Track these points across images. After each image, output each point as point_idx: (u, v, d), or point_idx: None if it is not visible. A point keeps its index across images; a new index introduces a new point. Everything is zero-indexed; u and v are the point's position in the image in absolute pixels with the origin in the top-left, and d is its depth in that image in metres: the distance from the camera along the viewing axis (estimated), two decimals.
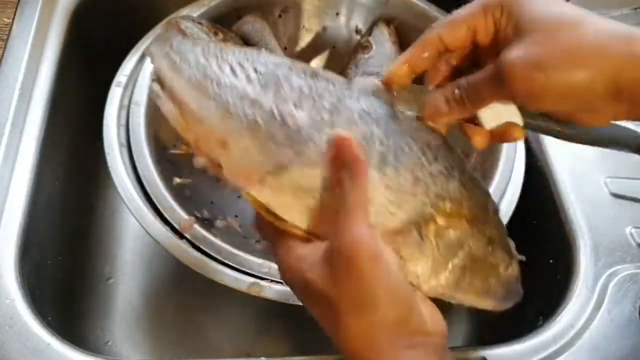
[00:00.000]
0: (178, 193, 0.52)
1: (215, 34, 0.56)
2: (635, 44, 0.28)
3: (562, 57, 0.28)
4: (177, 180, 0.54)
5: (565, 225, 0.51)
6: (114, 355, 0.60)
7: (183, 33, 0.52)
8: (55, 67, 0.57)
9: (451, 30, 0.33)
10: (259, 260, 0.46)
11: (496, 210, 0.35)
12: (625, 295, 0.47)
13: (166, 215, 0.48)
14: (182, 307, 0.63)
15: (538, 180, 0.55)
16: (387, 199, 0.31)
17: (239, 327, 0.63)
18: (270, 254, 0.33)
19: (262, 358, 0.44)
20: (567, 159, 0.55)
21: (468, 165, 0.56)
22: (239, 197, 0.60)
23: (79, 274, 0.62)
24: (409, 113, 0.35)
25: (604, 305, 0.46)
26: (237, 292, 0.45)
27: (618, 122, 0.34)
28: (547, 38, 0.29)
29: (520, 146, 0.56)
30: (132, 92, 0.55)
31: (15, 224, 0.48)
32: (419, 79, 0.36)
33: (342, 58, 0.67)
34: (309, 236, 0.31)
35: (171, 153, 0.57)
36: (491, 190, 0.51)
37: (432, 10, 0.62)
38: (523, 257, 0.35)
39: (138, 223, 0.48)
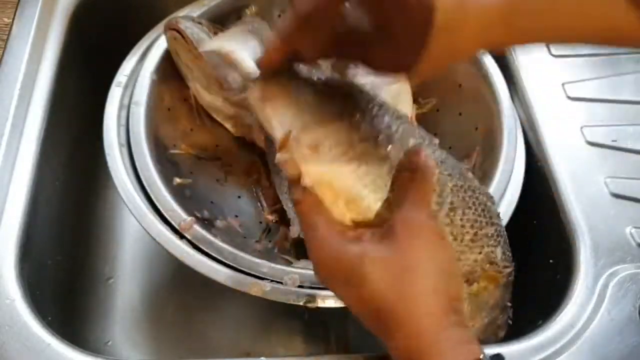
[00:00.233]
0: (178, 193, 0.52)
1: (215, 34, 0.56)
2: None
3: None
4: (177, 180, 0.54)
5: (565, 226, 0.51)
6: (114, 355, 0.60)
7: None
8: (55, 67, 0.57)
9: None
10: (259, 260, 0.46)
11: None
12: (625, 295, 0.47)
13: (166, 215, 0.48)
14: (182, 307, 0.63)
15: (538, 180, 0.55)
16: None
17: (239, 327, 0.62)
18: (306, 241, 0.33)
19: (262, 358, 0.44)
20: (567, 159, 0.55)
21: (468, 165, 0.56)
22: (239, 197, 0.60)
23: (79, 274, 0.62)
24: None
25: (604, 305, 0.46)
26: (237, 292, 0.45)
27: None
28: None
29: (520, 146, 0.56)
30: (132, 92, 0.55)
31: (15, 224, 0.47)
32: None
33: None
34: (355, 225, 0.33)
35: (171, 153, 0.57)
36: (491, 190, 0.50)
37: None
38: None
39: (138, 223, 0.48)
